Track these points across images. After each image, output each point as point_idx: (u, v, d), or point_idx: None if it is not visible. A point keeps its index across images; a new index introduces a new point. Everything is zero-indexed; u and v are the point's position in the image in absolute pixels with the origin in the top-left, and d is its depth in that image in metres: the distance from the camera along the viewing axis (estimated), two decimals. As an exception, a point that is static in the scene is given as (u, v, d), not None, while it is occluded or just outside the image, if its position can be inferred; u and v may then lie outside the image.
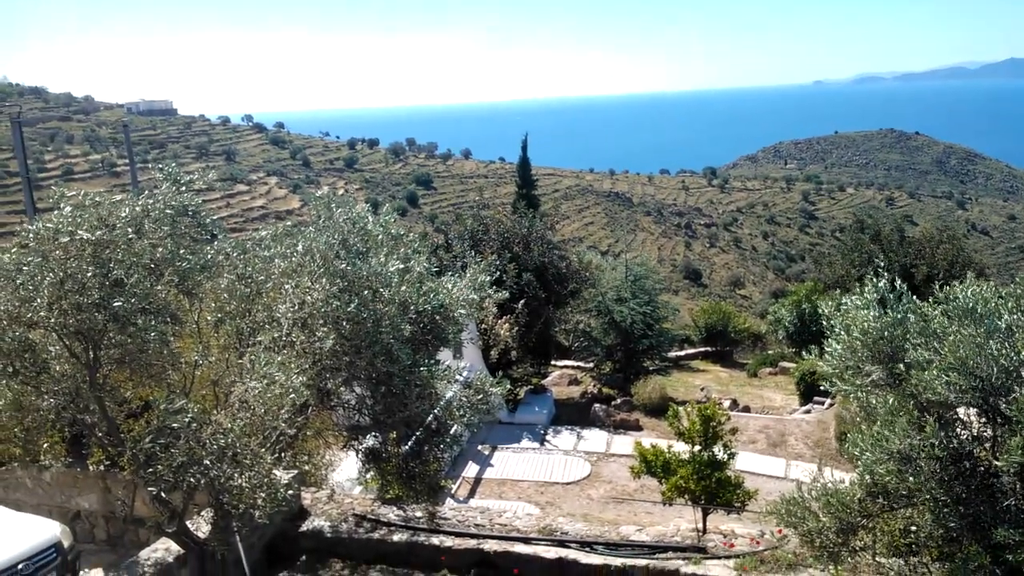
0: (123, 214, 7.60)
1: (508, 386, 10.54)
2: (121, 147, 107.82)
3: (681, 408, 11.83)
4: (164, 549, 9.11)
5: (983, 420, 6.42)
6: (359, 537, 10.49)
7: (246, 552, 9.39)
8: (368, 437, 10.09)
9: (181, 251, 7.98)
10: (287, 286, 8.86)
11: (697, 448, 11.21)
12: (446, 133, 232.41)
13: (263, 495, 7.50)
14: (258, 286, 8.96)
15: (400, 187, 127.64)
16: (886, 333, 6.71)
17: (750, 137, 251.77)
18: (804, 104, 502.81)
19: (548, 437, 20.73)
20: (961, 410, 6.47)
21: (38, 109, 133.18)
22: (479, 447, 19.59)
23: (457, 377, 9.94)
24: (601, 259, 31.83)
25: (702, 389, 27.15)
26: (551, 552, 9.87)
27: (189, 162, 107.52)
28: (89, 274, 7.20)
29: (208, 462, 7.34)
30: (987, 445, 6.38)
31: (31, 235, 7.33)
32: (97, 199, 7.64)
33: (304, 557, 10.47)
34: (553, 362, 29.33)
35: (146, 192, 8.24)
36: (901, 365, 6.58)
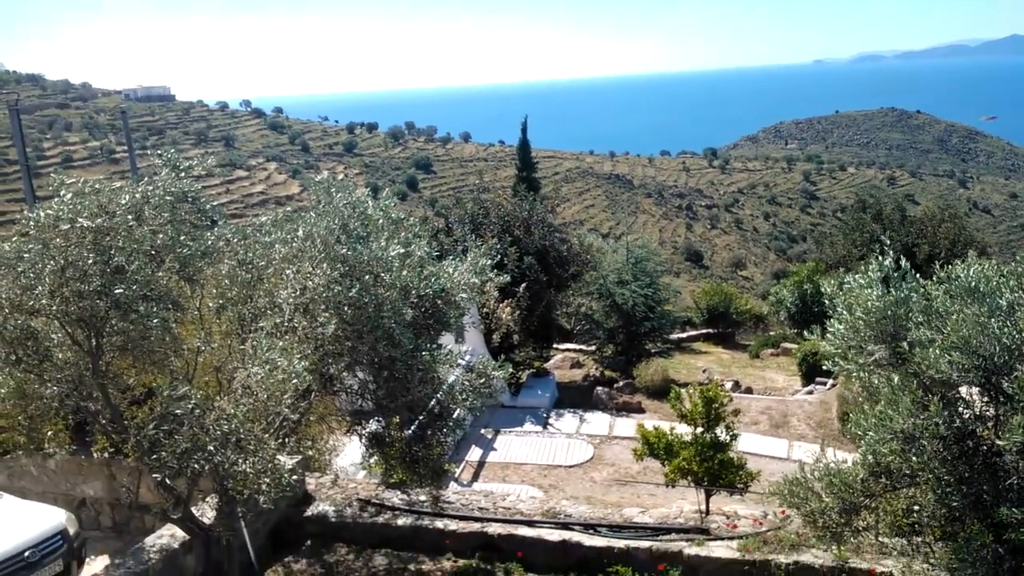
0: (123, 201, 7.58)
1: (510, 370, 10.54)
2: (120, 134, 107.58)
3: (683, 390, 11.83)
4: (169, 535, 9.16)
5: (985, 399, 6.41)
6: (363, 522, 10.54)
7: (251, 537, 9.45)
8: (371, 422, 10.10)
9: (182, 237, 7.97)
10: (288, 272, 8.84)
11: (699, 430, 11.21)
12: (445, 116, 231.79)
13: (267, 481, 7.53)
14: (259, 272, 8.95)
15: (400, 171, 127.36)
16: (889, 312, 6.69)
17: (751, 117, 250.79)
18: (805, 83, 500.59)
19: (551, 420, 20.76)
20: (963, 389, 6.47)
21: (36, 96, 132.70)
22: (482, 431, 19.62)
23: (459, 361, 9.95)
24: (602, 242, 31.76)
25: (704, 371, 27.17)
26: (555, 535, 9.91)
27: (188, 148, 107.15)
28: (90, 261, 7.19)
29: (212, 448, 7.35)
30: (990, 424, 6.37)
31: (31, 223, 7.31)
32: (97, 186, 7.63)
33: (309, 542, 10.52)
34: (555, 345, 29.32)
35: (146, 179, 8.22)
36: (904, 344, 6.58)
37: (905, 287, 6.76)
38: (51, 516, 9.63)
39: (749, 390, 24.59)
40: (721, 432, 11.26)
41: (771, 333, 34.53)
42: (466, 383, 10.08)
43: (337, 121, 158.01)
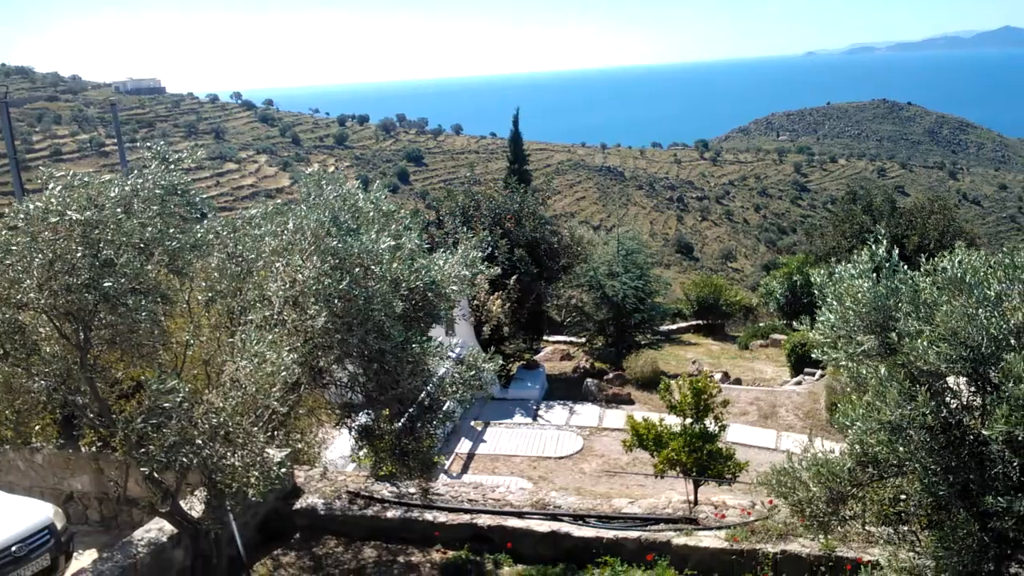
0: (112, 194, 7.55)
1: (500, 362, 10.54)
2: (109, 127, 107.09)
3: (673, 381, 11.86)
4: (158, 529, 9.15)
5: (972, 389, 6.45)
6: (353, 514, 10.56)
7: (240, 530, 9.45)
8: (361, 414, 10.10)
9: (171, 230, 7.94)
10: (278, 264, 8.82)
11: (688, 421, 11.25)
12: (436, 108, 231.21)
13: (256, 474, 7.53)
14: (249, 265, 8.93)
15: (391, 164, 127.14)
16: (879, 303, 6.72)
17: (742, 109, 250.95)
18: (796, 75, 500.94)
19: (541, 412, 20.80)
20: (951, 379, 6.51)
21: (25, 89, 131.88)
22: (472, 423, 19.65)
23: (449, 353, 9.94)
24: (593, 234, 31.80)
25: (694, 362, 27.25)
26: (544, 526, 9.95)
27: (178, 141, 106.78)
28: (79, 254, 7.17)
29: (200, 441, 7.35)
30: (976, 414, 6.42)
31: (20, 216, 7.27)
32: (86, 179, 7.59)
33: (298, 534, 10.53)
34: (545, 337, 29.35)
35: (135, 171, 8.18)
36: (893, 335, 6.61)
37: (895, 279, 6.80)
38: (38, 510, 9.60)
39: (738, 381, 24.69)
40: (710, 423, 11.31)
41: (760, 324, 34.66)
42: (456, 375, 10.09)
43: (328, 113, 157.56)
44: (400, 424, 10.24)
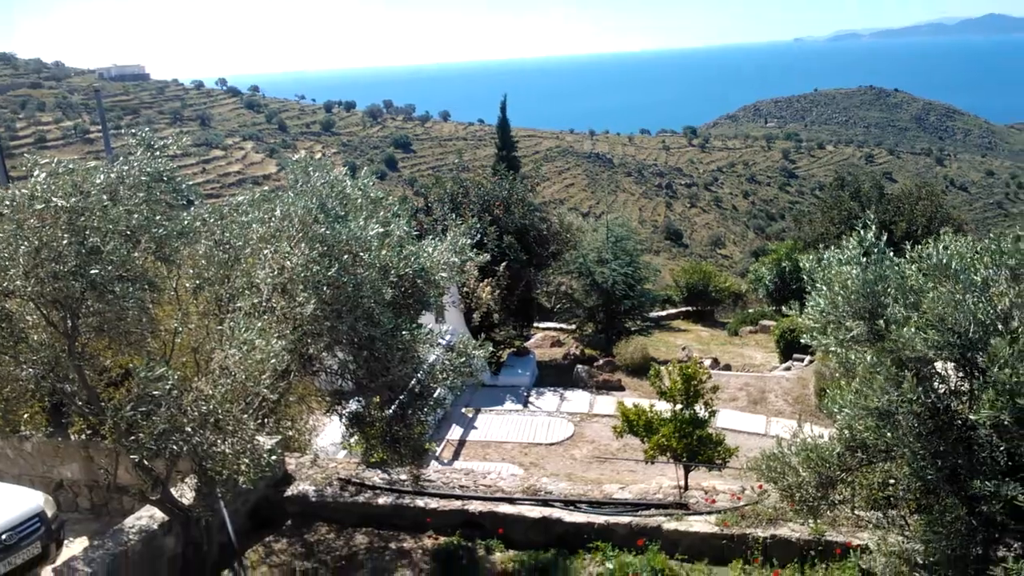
0: (98, 180, 7.49)
1: (491, 349, 10.53)
2: (93, 113, 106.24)
3: (663, 368, 11.89)
4: (149, 516, 9.12)
5: (961, 374, 6.49)
6: (344, 501, 10.55)
7: (231, 518, 9.44)
8: (351, 402, 10.09)
9: (157, 217, 7.88)
10: (266, 251, 8.78)
11: (679, 407, 11.29)
12: (424, 94, 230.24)
13: (246, 461, 7.52)
14: (236, 252, 8.88)
15: (378, 150, 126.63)
16: (867, 289, 6.74)
17: (730, 96, 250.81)
18: (783, 62, 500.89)
19: (531, 399, 20.84)
20: (939, 364, 6.54)
21: (8, 76, 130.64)
22: (463, 410, 19.67)
23: (439, 340, 9.93)
24: (582, 220, 31.80)
25: (683, 348, 27.33)
26: (535, 511, 9.97)
27: (163, 127, 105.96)
28: (65, 242, 7.11)
29: (190, 429, 7.33)
30: (964, 399, 6.45)
31: (5, 203, 7.20)
32: (71, 166, 7.52)
33: (289, 521, 10.53)
34: (535, 324, 29.37)
35: (120, 158, 8.11)
36: (881, 322, 6.63)
37: (882, 266, 6.81)
38: (29, 499, 9.57)
39: (728, 367, 24.78)
40: (700, 409, 11.34)
41: (750, 311, 34.79)
42: (446, 362, 10.08)
43: (314, 100, 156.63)
44: (391, 411, 10.24)
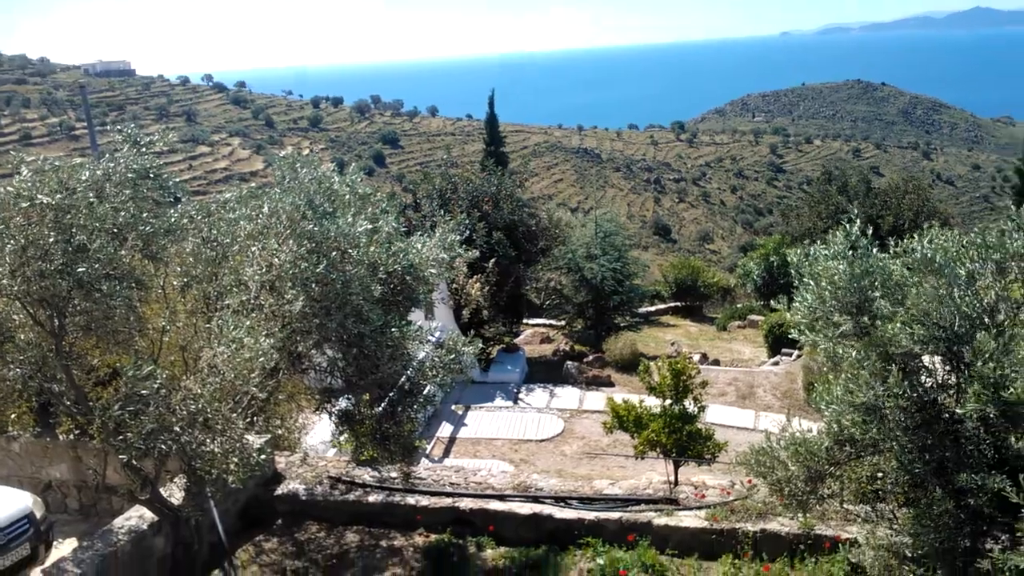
0: (83, 178, 7.43)
1: (480, 345, 10.54)
2: (79, 110, 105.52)
3: (652, 363, 11.90)
4: (138, 517, 9.08)
5: (947, 368, 6.52)
6: (334, 499, 10.53)
7: (221, 517, 9.40)
8: (341, 399, 10.07)
9: (144, 215, 7.83)
10: (254, 249, 8.75)
11: (668, 402, 11.30)
12: (411, 90, 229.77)
13: (235, 460, 7.49)
14: (224, 249, 8.85)
15: (366, 146, 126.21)
16: (854, 284, 6.76)
17: (718, 90, 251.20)
18: (771, 56, 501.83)
19: (521, 395, 20.85)
20: (926, 357, 6.57)
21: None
22: (453, 407, 19.66)
23: (429, 337, 9.92)
24: (571, 216, 31.82)
25: (672, 344, 27.40)
26: (526, 508, 9.98)
27: (149, 124, 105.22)
28: (51, 240, 7.06)
29: (179, 428, 7.30)
30: (951, 392, 6.48)
31: (-10, 201, 7.15)
32: (57, 163, 7.47)
33: (280, 520, 10.50)
34: (525, 320, 29.40)
35: (106, 155, 8.05)
36: (866, 318, 6.66)
37: (867, 261, 6.83)
38: (17, 500, 9.51)
39: (717, 362, 24.86)
40: (689, 404, 11.36)
41: (738, 306, 34.90)
42: (436, 359, 10.07)
43: (301, 95, 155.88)
44: (380, 409, 10.22)
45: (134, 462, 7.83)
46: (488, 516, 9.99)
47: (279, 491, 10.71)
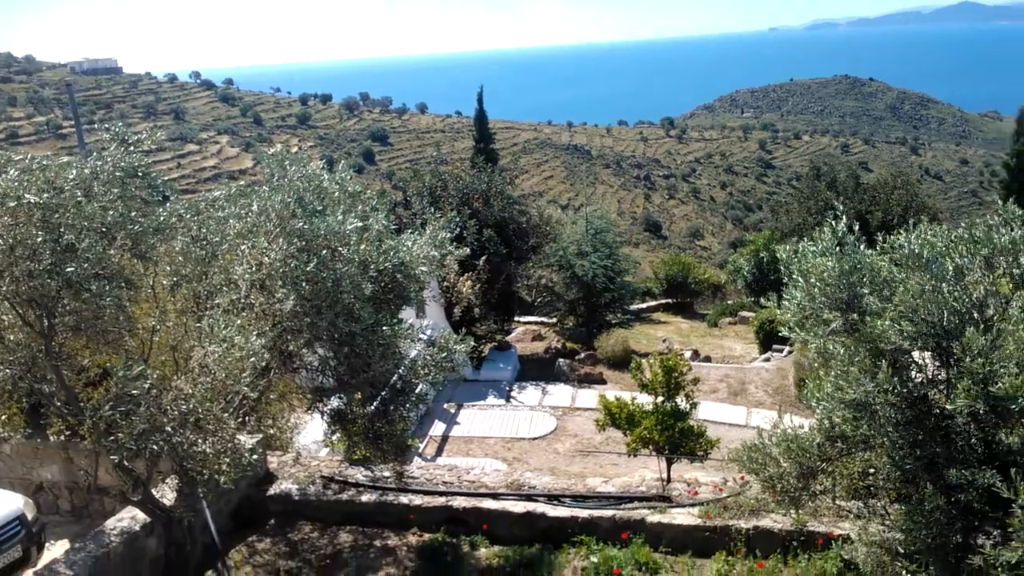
0: (71, 176, 7.38)
1: (472, 343, 10.51)
2: (66, 108, 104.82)
3: (644, 360, 11.92)
4: (130, 518, 9.04)
5: (937, 363, 6.53)
6: (327, 499, 10.51)
7: (213, 518, 9.37)
8: (333, 399, 10.03)
9: (133, 214, 7.78)
10: (243, 247, 8.70)
11: (660, 399, 11.32)
12: (400, 86, 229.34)
13: (227, 460, 7.46)
14: (214, 248, 8.80)
15: (355, 143, 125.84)
16: (843, 281, 6.77)
17: (707, 86, 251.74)
18: (759, 51, 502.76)
19: (513, 393, 20.85)
20: (916, 353, 6.58)
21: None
22: (445, 405, 19.64)
23: (420, 336, 9.89)
24: (561, 213, 31.82)
25: (664, 341, 27.43)
26: (519, 506, 9.98)
27: (137, 122, 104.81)
28: (39, 239, 7.00)
29: (170, 428, 7.26)
30: (941, 387, 6.50)
31: (-24, 201, 7.08)
32: (44, 162, 7.41)
33: (273, 520, 10.47)
34: (516, 318, 29.39)
35: (94, 154, 8.00)
36: (855, 314, 6.66)
37: (854, 258, 6.84)
38: (9, 501, 9.46)
39: (708, 359, 24.91)
40: (681, 401, 11.38)
41: (729, 302, 34.97)
42: (428, 357, 10.05)
43: (290, 92, 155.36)
44: (373, 407, 10.20)
45: (125, 463, 7.79)
46: (482, 515, 9.98)
47: (272, 491, 10.68)
